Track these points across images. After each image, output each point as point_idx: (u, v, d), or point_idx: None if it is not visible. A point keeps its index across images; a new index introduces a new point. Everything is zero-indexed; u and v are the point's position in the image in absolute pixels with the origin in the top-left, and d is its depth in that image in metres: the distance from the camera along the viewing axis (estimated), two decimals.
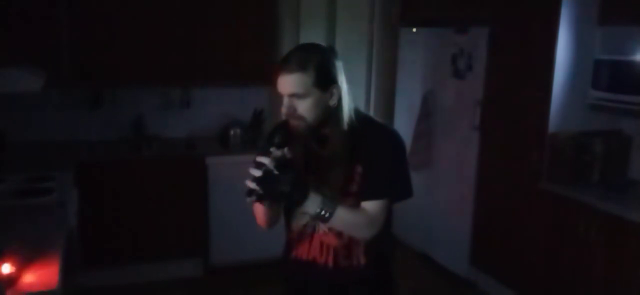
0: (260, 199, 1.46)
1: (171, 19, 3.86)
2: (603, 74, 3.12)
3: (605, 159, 3.23)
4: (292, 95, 1.54)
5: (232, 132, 4.12)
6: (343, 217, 1.55)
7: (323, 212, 1.52)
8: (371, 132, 1.64)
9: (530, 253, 3.36)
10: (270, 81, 4.88)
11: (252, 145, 4.00)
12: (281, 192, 1.46)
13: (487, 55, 3.63)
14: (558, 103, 3.22)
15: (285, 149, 1.50)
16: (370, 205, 1.60)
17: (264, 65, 4.15)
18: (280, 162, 1.46)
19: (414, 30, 4.41)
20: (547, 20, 3.18)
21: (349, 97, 1.62)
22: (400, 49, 4.56)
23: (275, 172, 1.45)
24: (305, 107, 1.54)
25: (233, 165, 3.88)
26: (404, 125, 4.39)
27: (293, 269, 1.75)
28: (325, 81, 1.56)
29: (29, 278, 1.77)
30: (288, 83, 1.54)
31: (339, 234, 1.64)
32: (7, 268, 1.74)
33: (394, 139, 1.66)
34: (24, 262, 1.84)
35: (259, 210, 1.66)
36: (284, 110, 1.56)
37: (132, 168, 3.75)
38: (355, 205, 1.61)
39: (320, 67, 1.55)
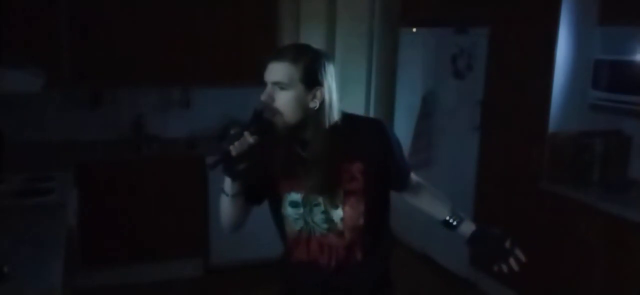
0: (213, 166, 1.49)
1: (171, 18, 3.86)
2: (603, 74, 3.12)
3: (605, 159, 3.23)
4: (276, 84, 1.53)
5: (232, 132, 4.11)
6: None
7: None
8: (362, 127, 1.65)
9: (530, 253, 3.35)
10: None
11: None
12: (232, 170, 1.50)
13: (487, 55, 3.63)
14: (558, 103, 3.22)
15: (253, 137, 1.48)
16: (415, 180, 1.78)
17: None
18: (242, 147, 1.48)
19: (414, 30, 4.41)
20: (547, 20, 3.18)
21: (337, 101, 1.60)
22: (400, 49, 4.56)
23: (234, 153, 1.47)
24: (284, 100, 1.52)
25: None
26: (404, 125, 4.39)
27: (293, 271, 1.73)
28: (312, 80, 1.54)
29: (29, 278, 1.77)
30: (275, 70, 1.54)
31: (340, 234, 1.63)
32: (7, 268, 1.74)
33: (386, 126, 1.71)
34: (24, 262, 1.84)
35: (224, 207, 1.60)
36: (262, 97, 1.54)
37: (132, 168, 3.76)
38: (360, 203, 1.61)
39: (309, 65, 1.54)
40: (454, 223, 1.77)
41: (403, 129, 4.29)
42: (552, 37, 3.15)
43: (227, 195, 1.56)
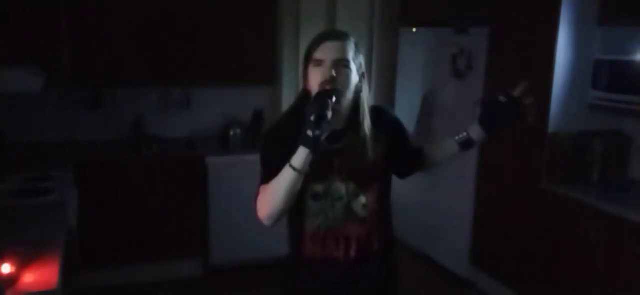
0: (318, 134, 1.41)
1: (171, 18, 3.86)
2: (603, 74, 3.12)
3: (605, 159, 3.23)
4: (339, 61, 1.52)
5: (232, 132, 4.12)
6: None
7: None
8: (374, 113, 1.68)
9: (530, 253, 3.36)
10: (270, 81, 4.84)
11: (252, 145, 4.00)
12: (319, 140, 1.42)
13: (487, 55, 3.63)
14: (558, 103, 3.22)
15: (334, 103, 1.45)
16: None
17: (264, 66, 4.16)
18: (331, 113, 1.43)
19: (414, 30, 4.41)
20: (547, 20, 3.18)
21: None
22: (400, 49, 4.56)
23: (328, 116, 1.41)
24: (346, 79, 1.53)
25: (233, 165, 3.88)
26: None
27: (305, 268, 1.68)
28: (359, 64, 1.59)
29: (29, 278, 1.77)
30: (337, 48, 1.53)
31: (361, 221, 1.62)
32: (7, 268, 1.74)
33: (388, 109, 1.82)
34: (24, 262, 1.84)
35: (288, 189, 1.49)
36: (327, 73, 1.50)
37: (132, 168, 3.75)
38: (378, 187, 1.63)
39: (357, 48, 1.59)
40: (464, 134, 1.70)
41: None
42: (552, 37, 3.15)
43: (300, 172, 1.46)
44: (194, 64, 3.95)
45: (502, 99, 1.63)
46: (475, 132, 1.69)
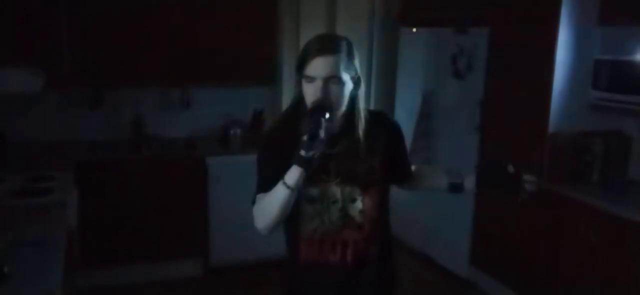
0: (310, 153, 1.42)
1: (171, 18, 3.86)
2: (603, 74, 3.12)
3: (605, 159, 3.23)
4: (331, 78, 1.50)
5: (232, 132, 4.12)
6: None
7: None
8: (374, 119, 1.67)
9: (530, 253, 3.36)
10: (270, 81, 4.84)
11: (252, 145, 4.00)
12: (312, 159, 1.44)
13: (487, 55, 3.63)
14: (558, 103, 3.22)
15: (328, 120, 1.46)
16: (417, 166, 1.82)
17: (263, 66, 4.16)
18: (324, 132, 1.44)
19: (414, 30, 4.40)
20: (547, 20, 3.18)
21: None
22: (400, 49, 4.56)
23: (321, 136, 1.43)
24: (338, 95, 1.52)
25: (233, 165, 3.88)
26: (404, 125, 4.33)
27: (302, 274, 1.67)
28: (354, 71, 1.57)
29: (29, 278, 1.77)
30: (327, 65, 1.49)
31: (358, 228, 1.61)
32: (7, 268, 1.74)
33: (391, 117, 1.80)
34: (24, 262, 1.84)
35: (281, 204, 1.51)
36: (318, 93, 1.49)
37: (132, 168, 3.75)
38: (377, 194, 1.63)
39: (352, 56, 1.56)
40: (459, 181, 1.76)
41: (403, 129, 4.29)
42: (552, 37, 3.15)
43: (293, 189, 1.47)
44: (194, 64, 3.95)
45: (510, 170, 1.69)
46: (470, 183, 1.75)
